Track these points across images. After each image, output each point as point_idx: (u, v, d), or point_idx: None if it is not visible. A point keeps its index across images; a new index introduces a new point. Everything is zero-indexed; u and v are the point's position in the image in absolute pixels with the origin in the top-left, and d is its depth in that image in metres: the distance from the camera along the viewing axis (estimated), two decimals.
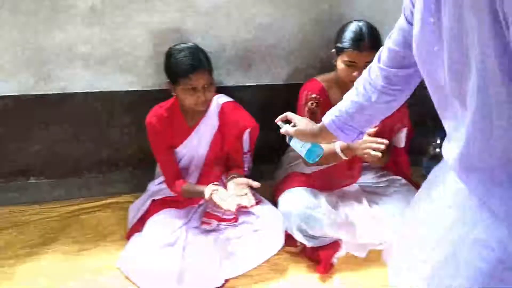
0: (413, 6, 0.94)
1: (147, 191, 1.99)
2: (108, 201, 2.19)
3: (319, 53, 2.13)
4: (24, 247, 1.92)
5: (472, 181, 0.89)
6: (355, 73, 1.73)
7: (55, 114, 2.04)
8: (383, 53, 1.10)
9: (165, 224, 1.80)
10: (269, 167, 2.20)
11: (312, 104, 1.86)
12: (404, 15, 1.01)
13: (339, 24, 1.88)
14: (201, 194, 1.75)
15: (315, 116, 1.89)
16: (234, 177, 1.79)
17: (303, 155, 1.41)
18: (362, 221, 1.85)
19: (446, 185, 1.00)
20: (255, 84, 2.17)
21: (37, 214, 2.10)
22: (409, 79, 1.09)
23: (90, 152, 2.18)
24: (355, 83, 1.19)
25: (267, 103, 2.11)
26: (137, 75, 2.03)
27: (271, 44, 2.10)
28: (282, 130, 1.39)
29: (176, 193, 1.84)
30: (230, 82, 2.13)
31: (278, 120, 1.43)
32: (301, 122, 1.36)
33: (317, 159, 1.42)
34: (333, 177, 1.95)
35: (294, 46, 2.12)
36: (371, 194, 1.98)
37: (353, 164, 1.95)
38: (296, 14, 2.05)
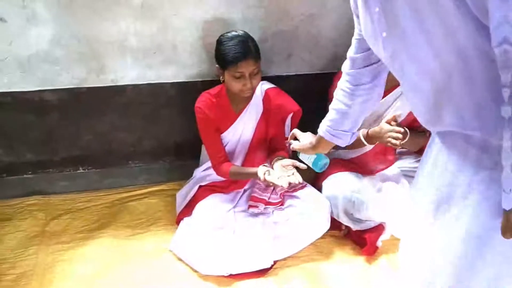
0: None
1: (193, 177, 2.07)
2: (155, 188, 2.28)
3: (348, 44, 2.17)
4: (79, 232, 2.02)
5: None
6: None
7: (104, 106, 2.13)
8: (348, 60, 1.24)
9: (214, 208, 1.87)
10: None
11: None
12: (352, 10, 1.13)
13: None
14: (250, 176, 1.83)
15: None
16: (280, 159, 1.85)
17: (311, 166, 1.63)
18: (404, 204, 1.89)
19: None
20: (295, 73, 2.23)
21: (88, 201, 2.20)
22: (376, 74, 1.22)
23: (137, 142, 2.27)
24: (334, 93, 1.32)
25: (307, 92, 2.16)
26: (183, 67, 2.11)
27: (312, 34, 2.15)
28: (291, 147, 1.60)
29: (223, 176, 1.90)
30: (271, 72, 2.19)
31: (288, 140, 1.65)
32: (303, 138, 1.55)
33: (324, 168, 1.63)
34: (370, 161, 2.00)
35: (334, 35, 2.17)
36: (412, 178, 2.01)
37: (387, 148, 2.00)
38: (337, 3, 2.10)
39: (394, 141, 1.73)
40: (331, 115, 1.33)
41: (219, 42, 1.78)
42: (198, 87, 2.07)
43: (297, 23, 2.12)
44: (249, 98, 1.88)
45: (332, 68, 2.21)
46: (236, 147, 1.94)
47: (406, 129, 1.81)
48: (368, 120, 1.99)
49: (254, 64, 1.73)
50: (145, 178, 2.33)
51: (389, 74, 1.90)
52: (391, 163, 2.03)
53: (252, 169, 1.81)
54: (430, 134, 1.91)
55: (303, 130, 2.08)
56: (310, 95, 2.13)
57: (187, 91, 2.11)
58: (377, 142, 1.87)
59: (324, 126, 1.36)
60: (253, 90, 1.81)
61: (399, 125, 1.79)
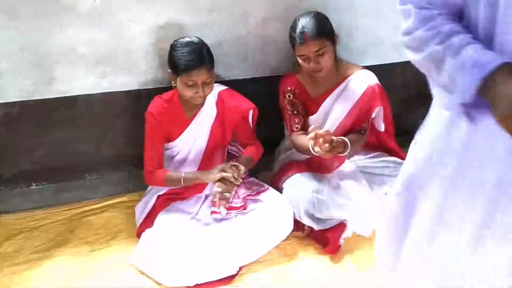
0: None
1: (151, 187, 2.02)
2: (114, 201, 2.21)
3: None
4: (35, 252, 1.93)
5: None
6: (311, 64, 1.86)
7: (56, 118, 2.06)
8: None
9: (175, 217, 1.84)
10: (268, 158, 2.27)
11: (289, 96, 1.98)
12: None
13: (333, 16, 1.95)
14: (193, 180, 1.84)
15: (295, 107, 1.99)
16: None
17: None
18: (364, 200, 1.93)
19: None
20: (251, 77, 2.23)
21: (43, 219, 2.11)
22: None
23: (92, 154, 2.20)
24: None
25: (264, 95, 2.16)
26: (137, 74, 2.07)
27: (267, 38, 2.16)
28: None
29: (156, 183, 1.88)
30: (228, 75, 2.18)
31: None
32: None
33: None
34: (324, 160, 2.02)
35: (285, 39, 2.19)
36: (369, 174, 2.06)
37: None
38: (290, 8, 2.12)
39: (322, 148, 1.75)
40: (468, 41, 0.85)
41: (173, 47, 1.76)
42: (153, 94, 2.02)
43: (252, 27, 2.12)
44: (202, 103, 1.86)
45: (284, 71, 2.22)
46: (188, 155, 1.92)
47: (345, 139, 1.84)
48: (319, 116, 2.04)
49: (207, 73, 1.72)
50: (104, 191, 2.26)
51: (326, 79, 1.97)
52: (343, 159, 2.07)
53: (198, 173, 1.80)
54: (366, 131, 1.99)
55: (259, 132, 2.11)
56: (267, 98, 2.14)
57: (142, 99, 2.07)
58: None
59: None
60: (205, 97, 1.79)
61: (338, 140, 1.81)
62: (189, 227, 1.82)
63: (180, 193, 1.92)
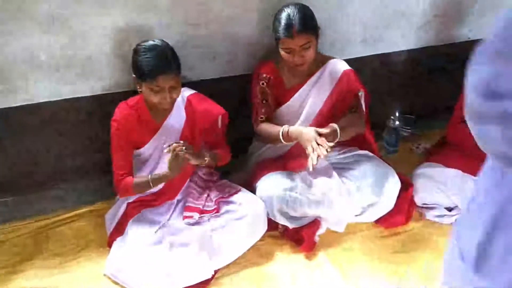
0: None
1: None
2: (83, 210, 2.14)
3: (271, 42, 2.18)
4: (3, 267, 1.85)
5: None
6: (295, 58, 1.84)
7: (19, 128, 1.98)
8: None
9: (147, 224, 1.80)
10: (242, 158, 2.25)
11: (263, 83, 1.94)
12: None
13: None
14: (161, 180, 1.78)
15: (265, 96, 1.98)
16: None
17: None
18: (337, 196, 1.94)
19: None
20: (219, 76, 2.20)
21: (9, 233, 2.03)
22: None
23: (59, 162, 2.13)
24: None
25: (232, 94, 2.14)
26: (100, 79, 2.00)
27: (233, 36, 2.13)
28: None
29: (125, 192, 1.81)
30: (195, 76, 2.15)
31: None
32: None
33: None
34: (298, 155, 2.02)
35: (256, 35, 2.16)
36: (341, 170, 2.07)
37: None
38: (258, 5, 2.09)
39: (314, 154, 1.73)
40: None
41: (136, 52, 1.70)
42: (118, 98, 1.97)
43: (217, 25, 2.08)
44: (170, 108, 1.82)
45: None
46: (158, 161, 1.86)
47: (335, 126, 1.84)
48: (287, 115, 2.03)
49: (173, 77, 1.67)
50: (72, 200, 2.18)
51: (303, 69, 1.97)
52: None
53: (163, 173, 1.75)
54: (356, 110, 2.00)
55: (231, 133, 2.08)
56: (237, 97, 2.12)
57: (107, 104, 2.00)
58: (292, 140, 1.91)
59: None
60: (172, 103, 1.75)
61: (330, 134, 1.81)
62: (161, 233, 1.78)
63: (150, 200, 1.88)
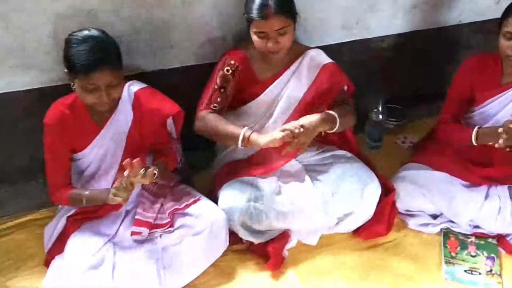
0: None
1: (61, 207, 1.71)
2: (24, 219, 1.89)
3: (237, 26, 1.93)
4: None
5: None
6: (269, 44, 1.62)
7: None
8: None
9: (88, 243, 1.55)
10: (207, 154, 2.02)
11: (228, 70, 1.70)
12: None
13: None
14: (97, 199, 1.52)
15: (226, 85, 1.73)
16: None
17: None
18: (309, 205, 1.71)
19: None
20: (179, 66, 1.94)
21: None
22: None
23: None
24: None
25: (193, 84, 1.88)
26: (39, 70, 1.75)
27: (194, 22, 1.86)
28: None
29: (61, 202, 1.60)
30: (149, 67, 1.88)
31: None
32: None
33: None
34: (268, 157, 1.79)
35: (217, 20, 1.90)
36: (315, 173, 1.83)
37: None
38: None
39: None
40: None
41: (68, 43, 1.42)
42: (60, 92, 1.70)
43: (173, 10, 1.81)
44: (114, 106, 1.56)
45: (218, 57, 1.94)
46: (100, 168, 1.61)
47: (333, 113, 1.68)
48: (256, 112, 1.79)
49: (111, 74, 1.40)
50: (12, 206, 1.94)
51: (278, 59, 1.73)
52: (292, 156, 1.82)
53: (100, 193, 1.50)
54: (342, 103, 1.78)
55: (187, 126, 1.83)
56: (195, 89, 1.86)
57: (48, 98, 1.71)
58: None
59: None
60: (111, 103, 1.49)
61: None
62: (103, 253, 1.54)
63: (93, 211, 1.63)
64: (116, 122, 1.59)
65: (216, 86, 1.74)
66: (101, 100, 1.42)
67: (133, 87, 1.62)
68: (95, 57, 1.37)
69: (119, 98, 1.52)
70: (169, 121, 1.69)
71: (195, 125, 1.75)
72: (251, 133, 1.64)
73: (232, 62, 1.73)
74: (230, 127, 1.67)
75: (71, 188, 1.57)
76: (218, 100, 1.73)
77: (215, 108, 1.73)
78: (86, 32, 1.42)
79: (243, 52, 1.75)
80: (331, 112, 1.69)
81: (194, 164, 2.00)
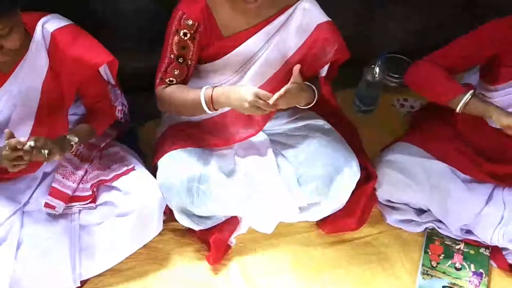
0: None
1: None
2: None
3: None
4: None
5: None
6: None
7: None
8: None
9: None
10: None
11: (184, 35, 1.30)
12: None
13: None
14: None
15: (184, 53, 1.34)
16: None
17: None
18: (268, 192, 1.40)
19: None
20: None
21: None
22: None
23: None
24: None
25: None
26: None
27: None
28: None
29: None
30: None
31: None
32: None
33: None
34: (230, 125, 1.45)
35: None
36: (282, 146, 1.49)
37: None
38: None
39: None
40: None
41: None
42: None
43: None
44: (23, 49, 1.20)
45: None
46: (10, 120, 1.27)
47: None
48: (232, 63, 1.41)
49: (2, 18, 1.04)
50: None
51: (245, 10, 1.32)
52: (259, 127, 1.48)
53: None
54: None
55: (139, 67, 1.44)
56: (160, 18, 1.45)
57: None
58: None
59: None
60: (7, 52, 1.12)
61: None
62: (7, 227, 1.27)
63: (4, 171, 1.34)
64: (27, 68, 1.23)
65: (172, 56, 1.34)
66: None
67: (48, 25, 1.23)
68: None
69: (23, 43, 1.16)
70: (103, 68, 1.34)
71: (160, 106, 1.43)
72: (213, 89, 1.29)
73: (190, 22, 1.30)
74: (190, 94, 1.32)
75: None
76: (176, 72, 1.35)
77: (171, 83, 1.37)
78: None
79: (202, 3, 1.32)
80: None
81: (143, 110, 1.65)
